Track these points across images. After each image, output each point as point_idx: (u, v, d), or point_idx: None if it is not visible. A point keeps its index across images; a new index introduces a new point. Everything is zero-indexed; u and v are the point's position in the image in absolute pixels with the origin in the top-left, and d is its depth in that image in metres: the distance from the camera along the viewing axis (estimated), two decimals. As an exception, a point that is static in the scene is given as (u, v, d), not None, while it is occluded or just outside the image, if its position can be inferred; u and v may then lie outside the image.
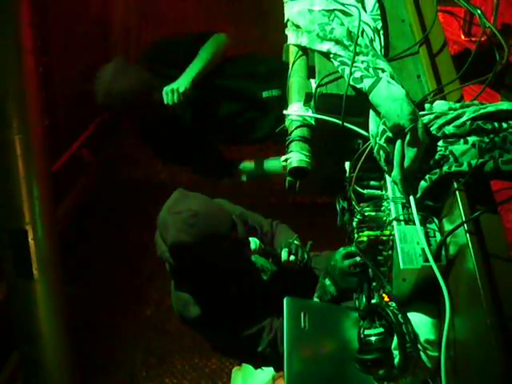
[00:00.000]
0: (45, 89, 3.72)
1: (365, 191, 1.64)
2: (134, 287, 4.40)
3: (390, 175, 1.55)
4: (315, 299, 1.98)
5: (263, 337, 2.07)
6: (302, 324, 1.69)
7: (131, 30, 4.78)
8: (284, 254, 2.17)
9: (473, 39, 2.79)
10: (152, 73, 2.86)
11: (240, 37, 4.10)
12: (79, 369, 3.89)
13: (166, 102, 2.77)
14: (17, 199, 3.30)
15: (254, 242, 2.14)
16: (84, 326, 4.04)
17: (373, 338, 1.51)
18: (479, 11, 1.98)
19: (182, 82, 2.76)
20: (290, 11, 1.87)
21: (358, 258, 1.73)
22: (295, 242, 2.28)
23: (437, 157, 1.47)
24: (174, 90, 2.74)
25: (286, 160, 1.63)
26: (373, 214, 1.59)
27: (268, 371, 3.06)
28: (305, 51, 1.82)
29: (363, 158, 1.61)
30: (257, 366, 2.63)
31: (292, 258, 2.18)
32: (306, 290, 2.13)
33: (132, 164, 5.01)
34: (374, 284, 1.69)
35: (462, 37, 2.83)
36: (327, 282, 1.90)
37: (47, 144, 3.50)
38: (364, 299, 1.75)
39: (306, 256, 2.22)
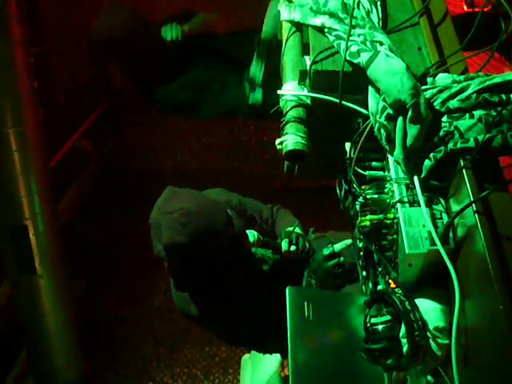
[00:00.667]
0: (40, 80, 3.68)
1: (366, 173, 1.57)
2: (142, 277, 4.43)
3: (392, 155, 1.47)
4: None
5: (269, 327, 2.05)
6: (306, 314, 1.64)
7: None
8: (284, 245, 2.12)
9: (476, 10, 2.71)
10: None
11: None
12: (89, 361, 3.92)
13: (164, 35, 2.94)
14: (15, 195, 3.29)
15: (251, 235, 2.09)
16: (93, 318, 4.12)
17: (380, 327, 1.46)
18: (482, -22, 1.89)
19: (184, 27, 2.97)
20: (282, -15, 1.78)
21: (341, 259, 1.68)
22: (296, 230, 2.22)
23: (441, 133, 1.38)
24: (173, 26, 2.92)
25: (281, 143, 1.56)
26: (375, 196, 1.52)
27: (276, 358, 3.05)
28: (299, 27, 1.74)
29: (363, 137, 1.53)
30: (264, 352, 2.61)
31: (293, 248, 2.13)
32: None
33: (134, 154, 5.04)
34: (379, 269, 1.62)
35: (465, 8, 2.74)
36: (313, 281, 1.85)
37: (44, 136, 3.47)
38: (370, 285, 1.68)
39: (307, 245, 2.15)
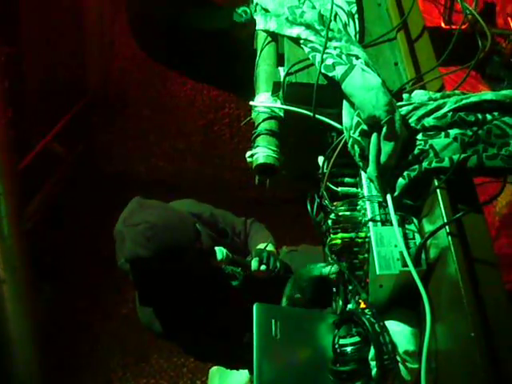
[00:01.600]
0: (12, 80, 3.61)
1: (339, 189, 1.54)
2: (110, 285, 4.35)
3: (365, 172, 1.44)
4: (283, 304, 1.88)
5: (237, 343, 1.99)
6: (273, 332, 1.59)
7: (105, 18, 4.68)
8: (254, 264, 2.07)
9: (454, 27, 2.72)
10: None
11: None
12: (55, 369, 3.84)
13: None
14: (-20, 196, 3.20)
15: (220, 252, 2.03)
16: (59, 325, 4.00)
17: (348, 349, 1.43)
18: (460, -3, 1.88)
19: None
20: (259, -6, 1.75)
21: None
22: (268, 248, 2.17)
23: (416, 151, 1.36)
24: None
25: (251, 156, 1.51)
26: (347, 213, 1.49)
27: (244, 372, 3.02)
28: (274, 37, 1.71)
29: (337, 152, 1.49)
30: (231, 368, 2.57)
31: (263, 267, 2.08)
32: (279, 294, 2.04)
33: (108, 158, 4.98)
34: (350, 287, 1.58)
35: (443, 25, 2.76)
36: (297, 295, 1.80)
37: (13, 137, 3.40)
38: (340, 302, 1.65)
39: (278, 264, 2.10)
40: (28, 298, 3.60)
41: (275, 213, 4.08)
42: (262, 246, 2.20)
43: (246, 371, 2.93)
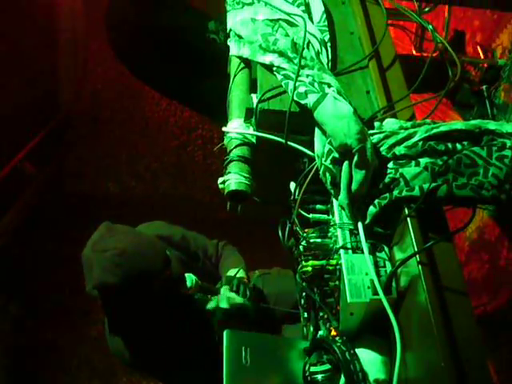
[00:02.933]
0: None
1: (310, 215, 1.53)
2: (79, 306, 4.26)
3: (336, 199, 1.44)
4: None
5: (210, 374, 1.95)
6: (244, 359, 1.56)
7: (79, 37, 4.66)
8: (222, 302, 2.02)
9: (424, 54, 2.77)
10: None
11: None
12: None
13: None
14: None
15: (189, 279, 2.00)
16: (26, 347, 3.92)
17: (319, 376, 1.41)
18: (431, 26, 1.91)
19: None
20: (233, 20, 1.75)
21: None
22: (239, 274, 2.15)
23: (387, 180, 1.36)
24: None
25: (223, 182, 1.50)
26: (318, 240, 1.48)
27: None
28: (247, 63, 1.70)
29: (308, 179, 1.49)
30: None
31: (232, 294, 2.05)
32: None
33: (76, 177, 4.93)
34: (321, 314, 1.57)
35: (414, 52, 2.81)
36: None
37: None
38: (311, 328, 1.63)
39: (248, 292, 2.08)
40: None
41: (246, 234, 4.06)
42: (232, 272, 2.18)
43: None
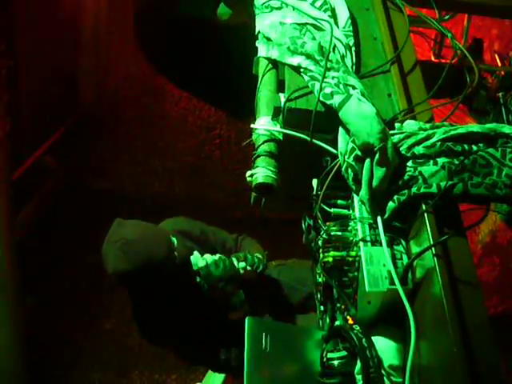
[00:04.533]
0: (8, 93, 3.64)
1: (332, 210, 1.60)
2: (94, 300, 4.34)
3: (357, 194, 1.51)
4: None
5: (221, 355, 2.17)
6: (264, 345, 1.64)
7: (101, 35, 4.74)
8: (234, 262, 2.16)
9: (443, 61, 2.83)
10: None
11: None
12: (35, 382, 3.81)
13: None
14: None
15: (195, 259, 2.18)
16: (41, 339, 3.97)
17: (335, 362, 1.48)
18: (450, 34, 1.98)
19: None
20: (262, 23, 1.83)
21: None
22: (256, 255, 2.30)
23: (406, 177, 1.43)
24: None
25: (251, 175, 1.58)
26: (339, 233, 1.55)
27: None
28: (275, 64, 1.78)
29: (331, 175, 1.57)
30: (219, 371, 2.65)
31: (241, 264, 2.25)
32: (264, 302, 2.14)
33: (97, 174, 4.97)
34: (338, 305, 1.64)
35: (433, 58, 2.87)
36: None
37: (9, 150, 3.43)
38: (328, 320, 1.71)
39: (256, 260, 2.28)
40: (15, 310, 3.59)
41: (262, 233, 4.13)
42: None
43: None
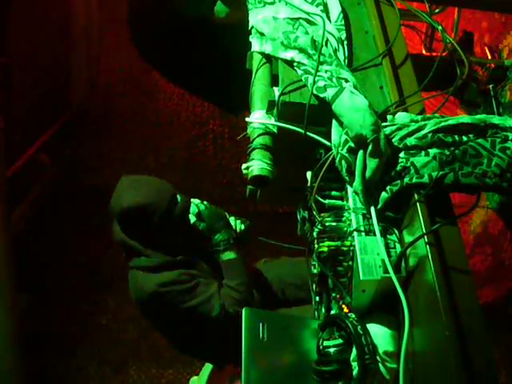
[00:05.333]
0: (1, 90, 3.65)
1: (326, 201, 1.63)
2: (90, 296, 4.34)
3: (351, 185, 1.54)
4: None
5: (213, 302, 2.20)
6: (261, 335, 1.66)
7: (93, 31, 4.73)
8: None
9: (434, 54, 2.86)
10: None
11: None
12: (31, 379, 3.81)
13: None
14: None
15: (192, 207, 2.31)
16: (37, 335, 3.96)
17: (331, 350, 1.49)
18: (441, 27, 2.01)
19: None
20: (255, 18, 1.86)
21: None
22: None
23: (398, 168, 1.46)
24: None
25: (247, 168, 1.61)
26: (333, 224, 1.58)
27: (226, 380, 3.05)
28: (268, 59, 1.81)
29: (325, 167, 1.60)
30: (219, 363, 2.65)
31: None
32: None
33: (91, 170, 4.98)
34: (333, 294, 1.67)
35: (424, 51, 2.90)
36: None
37: (3, 147, 3.43)
38: (323, 310, 1.74)
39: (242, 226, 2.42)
40: (11, 307, 3.59)
41: (255, 227, 4.15)
42: None
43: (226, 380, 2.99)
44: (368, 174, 1.47)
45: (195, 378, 3.44)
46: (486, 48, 2.91)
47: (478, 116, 1.54)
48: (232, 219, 2.41)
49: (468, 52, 2.96)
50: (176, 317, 2.28)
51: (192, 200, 2.37)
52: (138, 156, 4.98)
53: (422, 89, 1.75)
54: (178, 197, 2.30)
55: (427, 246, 1.34)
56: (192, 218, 2.31)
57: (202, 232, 2.31)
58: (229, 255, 2.30)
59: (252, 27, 1.87)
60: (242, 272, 2.30)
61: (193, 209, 2.32)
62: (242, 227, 2.42)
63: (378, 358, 1.45)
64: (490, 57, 2.88)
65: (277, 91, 1.69)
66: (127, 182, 2.28)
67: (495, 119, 1.52)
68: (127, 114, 4.96)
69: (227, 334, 2.10)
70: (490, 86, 2.72)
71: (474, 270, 2.89)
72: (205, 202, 2.38)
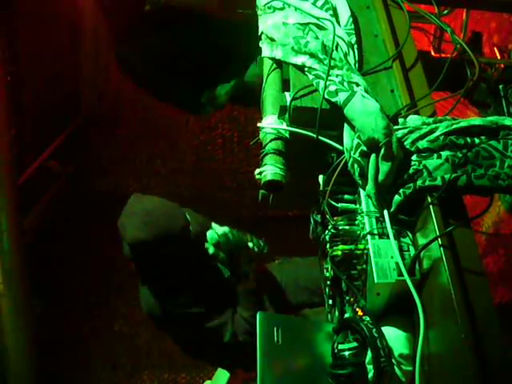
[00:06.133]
0: (12, 98, 3.67)
1: (339, 205, 1.63)
2: (103, 300, 4.36)
3: (364, 189, 1.54)
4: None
5: (227, 328, 2.22)
6: (275, 339, 1.67)
7: (102, 39, 4.76)
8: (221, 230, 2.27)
9: (443, 55, 2.86)
10: None
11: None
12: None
13: None
14: (-18, 210, 3.24)
15: (213, 234, 2.25)
16: (50, 341, 3.98)
17: (346, 353, 1.49)
18: (450, 28, 2.01)
19: None
20: (265, 24, 1.87)
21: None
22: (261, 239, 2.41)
23: (411, 171, 1.47)
24: None
25: (260, 173, 1.62)
26: (347, 227, 1.59)
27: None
28: (279, 64, 1.82)
29: (337, 171, 1.60)
30: (229, 367, 2.68)
31: (250, 244, 2.32)
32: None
33: (101, 176, 5.00)
34: (346, 298, 1.68)
35: (433, 53, 2.90)
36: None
37: (14, 154, 3.46)
38: (337, 313, 1.74)
39: (261, 243, 2.36)
40: (26, 312, 3.62)
41: (265, 231, 4.16)
42: None
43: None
44: (381, 177, 1.47)
45: (208, 382, 3.46)
46: (495, 48, 2.91)
47: (490, 118, 1.54)
48: (249, 241, 2.36)
49: (477, 52, 2.96)
50: (187, 332, 2.31)
51: (214, 226, 2.30)
52: (148, 161, 5.00)
53: (433, 91, 1.75)
54: (190, 227, 2.21)
55: (441, 249, 1.34)
56: (211, 249, 2.24)
57: (220, 261, 2.27)
58: (247, 285, 2.30)
59: (262, 33, 1.88)
60: (257, 304, 2.30)
61: (211, 236, 2.25)
62: (264, 250, 2.37)
63: (393, 360, 1.45)
64: (499, 57, 2.87)
65: (288, 96, 1.70)
66: (136, 208, 2.17)
67: (507, 121, 1.53)
68: (136, 119, 4.97)
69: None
70: (500, 86, 2.71)
71: (487, 271, 2.88)
72: (226, 231, 2.29)
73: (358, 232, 1.57)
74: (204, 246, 2.23)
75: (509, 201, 2.64)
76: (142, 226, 2.10)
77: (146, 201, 2.22)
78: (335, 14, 1.88)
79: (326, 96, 1.59)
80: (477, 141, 1.49)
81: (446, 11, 2.62)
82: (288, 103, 1.66)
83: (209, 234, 2.26)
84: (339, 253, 1.54)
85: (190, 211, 2.48)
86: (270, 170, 1.59)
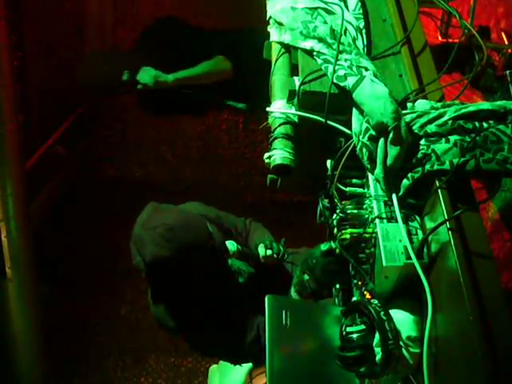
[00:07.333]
0: (19, 84, 3.68)
1: (347, 189, 1.64)
2: (109, 286, 4.40)
3: (372, 173, 1.55)
4: (293, 294, 2.00)
5: (246, 336, 2.13)
6: (284, 321, 1.69)
7: (106, 26, 4.75)
8: (261, 250, 2.21)
9: (449, 40, 2.85)
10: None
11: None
12: (53, 370, 3.87)
13: (139, 78, 2.85)
14: (-11, 196, 3.26)
15: (232, 245, 2.18)
16: (57, 325, 4.02)
17: (354, 336, 1.51)
18: (458, 14, 2.01)
19: (167, 78, 2.85)
20: (273, 8, 1.87)
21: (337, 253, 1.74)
22: (269, 238, 2.31)
23: (419, 155, 1.47)
24: (154, 76, 2.82)
25: (269, 157, 1.63)
26: (355, 211, 1.60)
27: (244, 369, 3.09)
28: (287, 49, 1.82)
29: (346, 155, 1.61)
30: (235, 363, 2.66)
31: (269, 252, 2.21)
32: (282, 289, 2.16)
33: (107, 162, 5.01)
34: (355, 281, 1.69)
35: (440, 38, 2.89)
36: (306, 277, 1.91)
37: (22, 140, 3.47)
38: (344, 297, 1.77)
39: (281, 249, 2.26)
40: (33, 297, 3.65)
41: (271, 216, 4.17)
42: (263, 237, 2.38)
43: (246, 367, 3.02)
44: (389, 161, 1.48)
45: (214, 366, 3.49)
46: (503, 33, 2.89)
47: (498, 102, 1.54)
48: (268, 247, 2.32)
49: (484, 37, 2.94)
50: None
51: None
52: (153, 147, 5.01)
53: (441, 75, 1.75)
54: (214, 238, 2.11)
55: (449, 232, 1.35)
56: (235, 263, 2.20)
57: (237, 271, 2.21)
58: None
59: (270, 17, 1.88)
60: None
61: (231, 248, 2.20)
62: (284, 256, 2.35)
63: (401, 343, 1.47)
64: (506, 42, 2.86)
65: (297, 81, 1.70)
66: (155, 222, 1.99)
67: (515, 105, 1.53)
68: (141, 106, 4.96)
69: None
70: (507, 72, 2.70)
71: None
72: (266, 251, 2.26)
73: (366, 216, 1.58)
74: (224, 255, 2.17)
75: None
76: (163, 242, 1.93)
77: (167, 213, 2.05)
78: (343, -1, 1.88)
79: (334, 80, 1.59)
80: (485, 125, 1.49)
81: (453, -4, 2.60)
82: (297, 88, 1.67)
83: (228, 245, 2.21)
84: (348, 236, 1.55)
85: (200, 205, 2.45)
86: (278, 154, 1.60)
